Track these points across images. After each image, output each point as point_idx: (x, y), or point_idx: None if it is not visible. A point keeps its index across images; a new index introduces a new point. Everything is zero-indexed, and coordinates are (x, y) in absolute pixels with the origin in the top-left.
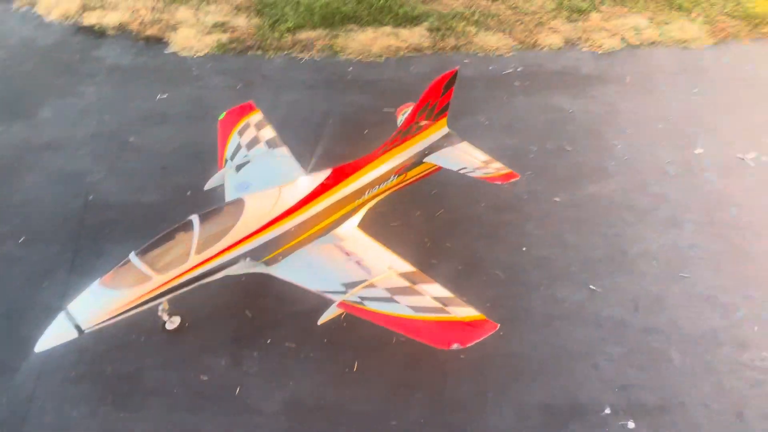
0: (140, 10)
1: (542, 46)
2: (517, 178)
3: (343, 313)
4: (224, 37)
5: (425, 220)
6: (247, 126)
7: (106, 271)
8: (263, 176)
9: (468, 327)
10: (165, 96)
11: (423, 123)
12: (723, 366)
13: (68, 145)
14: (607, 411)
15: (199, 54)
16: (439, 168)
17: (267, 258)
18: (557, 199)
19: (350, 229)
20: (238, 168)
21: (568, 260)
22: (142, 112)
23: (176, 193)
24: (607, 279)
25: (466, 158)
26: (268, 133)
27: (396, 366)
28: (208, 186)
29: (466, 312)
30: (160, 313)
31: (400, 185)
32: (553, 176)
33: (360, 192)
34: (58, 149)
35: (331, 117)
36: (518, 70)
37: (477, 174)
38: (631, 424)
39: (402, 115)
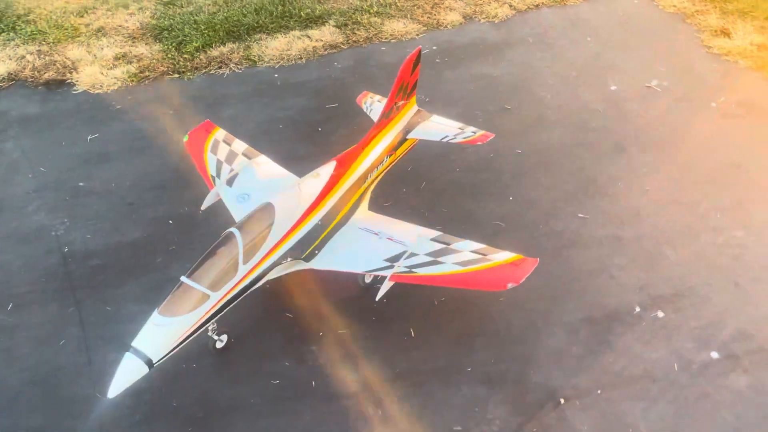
0: (26, 57)
1: (445, 25)
2: (493, 136)
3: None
4: (132, 68)
5: (413, 195)
6: (216, 143)
7: (123, 316)
8: (259, 184)
9: (512, 267)
10: (96, 135)
11: (400, 103)
12: (707, 250)
13: (12, 205)
14: (637, 309)
15: (112, 88)
16: (416, 142)
17: (306, 254)
18: (519, 151)
19: (365, 212)
20: (230, 182)
21: (552, 198)
22: (79, 156)
23: (157, 226)
24: (590, 206)
25: (444, 128)
26: (240, 145)
27: (447, 322)
28: (204, 206)
29: (504, 255)
30: (210, 334)
31: (391, 164)
32: (506, 133)
33: (364, 177)
34: (3, 211)
35: (279, 123)
36: (433, 48)
37: (458, 139)
38: (660, 314)
39: (364, 104)
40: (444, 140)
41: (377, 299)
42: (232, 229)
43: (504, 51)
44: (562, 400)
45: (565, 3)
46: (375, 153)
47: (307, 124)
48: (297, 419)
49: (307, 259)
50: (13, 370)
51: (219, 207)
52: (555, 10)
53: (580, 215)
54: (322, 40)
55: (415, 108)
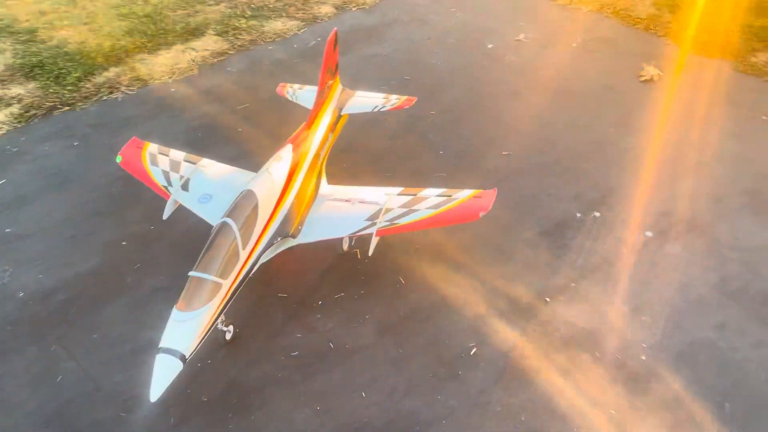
0: None
1: (322, 17)
2: (416, 99)
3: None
4: (15, 109)
5: (355, 165)
6: (153, 156)
7: (114, 339)
8: (215, 183)
9: (477, 199)
10: (3, 181)
11: (330, 83)
12: (613, 157)
13: None
14: (578, 215)
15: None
16: (347, 117)
17: (292, 231)
18: (433, 112)
19: (327, 186)
20: (185, 187)
21: (475, 145)
22: None
23: (111, 250)
24: (509, 144)
25: (371, 100)
26: (179, 153)
27: (429, 265)
28: (166, 215)
29: (466, 192)
30: (220, 326)
31: (333, 141)
32: (426, 96)
33: (317, 154)
34: None
35: (197, 132)
36: (318, 39)
37: (387, 107)
38: (597, 214)
39: (288, 94)
40: (375, 110)
41: (369, 254)
42: (225, 219)
43: (384, 32)
44: (548, 299)
45: None
46: (321, 131)
47: (225, 127)
48: (329, 378)
49: (294, 235)
50: (18, 417)
51: (172, 217)
52: None
53: (504, 153)
54: (208, 50)
55: (340, 87)
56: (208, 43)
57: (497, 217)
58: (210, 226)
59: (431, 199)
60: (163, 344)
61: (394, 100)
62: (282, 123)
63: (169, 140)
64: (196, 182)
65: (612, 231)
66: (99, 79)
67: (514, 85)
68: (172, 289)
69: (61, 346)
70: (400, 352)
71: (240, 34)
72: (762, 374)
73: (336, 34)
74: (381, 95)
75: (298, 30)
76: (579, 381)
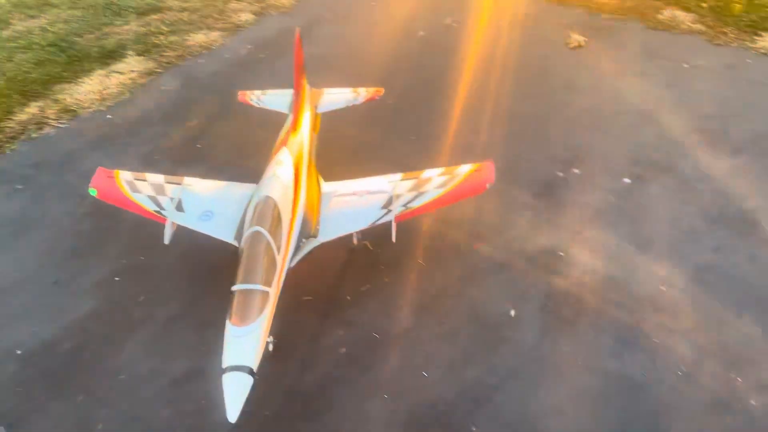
0: None
1: (243, 25)
2: (383, 91)
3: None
4: None
5: (338, 161)
6: (130, 183)
7: (144, 375)
8: (214, 199)
9: (479, 172)
10: None
11: (304, 83)
12: (574, 117)
13: None
14: (560, 174)
15: None
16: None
17: (312, 231)
18: (390, 102)
19: (326, 184)
20: (179, 209)
21: (440, 125)
22: None
23: (105, 288)
24: (475, 122)
25: (342, 96)
26: (157, 177)
27: (444, 240)
28: (167, 239)
29: (466, 167)
30: None
31: (317, 141)
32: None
33: (310, 155)
34: None
35: (154, 155)
36: (248, 47)
37: (360, 101)
38: (576, 171)
39: (251, 101)
40: (350, 105)
41: (393, 240)
42: (255, 228)
43: (313, 32)
44: (561, 253)
45: None
46: (306, 132)
47: (181, 146)
48: (385, 366)
49: (315, 235)
50: None
51: (159, 242)
52: None
53: (471, 129)
54: (134, 71)
55: (308, 87)
56: (132, 64)
57: (490, 188)
58: (214, 243)
59: (435, 180)
60: (228, 363)
61: (363, 92)
62: (239, 132)
63: (126, 169)
64: (189, 201)
65: (594, 183)
66: (21, 116)
67: (457, 66)
68: (187, 315)
69: (89, 395)
70: (444, 328)
71: (164, 51)
72: (764, 281)
73: (299, 34)
74: (349, 90)
75: (223, 40)
76: (615, 316)
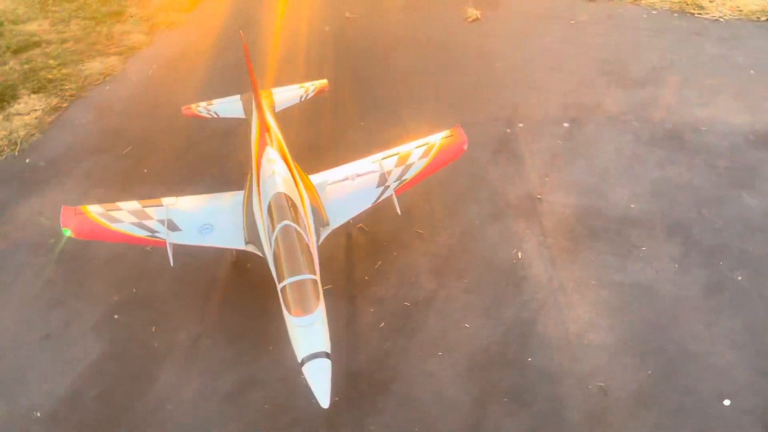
0: None
1: (137, 47)
2: (326, 81)
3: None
4: None
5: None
6: (106, 215)
7: (195, 400)
8: (206, 212)
9: (452, 137)
10: None
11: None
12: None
13: None
14: (517, 127)
15: None
16: None
17: (325, 219)
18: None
19: (314, 176)
20: (173, 228)
21: (385, 105)
22: None
23: (107, 329)
24: (423, 94)
25: (293, 93)
26: (129, 204)
27: (432, 206)
28: (172, 261)
29: (440, 135)
30: None
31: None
32: None
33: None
34: None
35: (95, 190)
36: (153, 66)
37: (311, 94)
38: (520, 125)
39: (200, 113)
40: (302, 100)
41: (399, 213)
42: (283, 223)
43: (218, 44)
44: (538, 196)
45: None
46: (276, 131)
47: (125, 175)
48: (428, 328)
49: (327, 222)
50: None
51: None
52: None
53: (413, 105)
54: (37, 109)
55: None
56: (32, 104)
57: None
58: (203, 258)
59: (415, 152)
60: (304, 354)
61: (310, 86)
62: (183, 148)
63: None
64: (181, 219)
65: (540, 132)
66: None
67: (377, 54)
68: (211, 332)
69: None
70: (466, 282)
71: (63, 85)
72: (705, 182)
73: (244, 44)
74: (296, 86)
75: (123, 64)
76: (606, 237)
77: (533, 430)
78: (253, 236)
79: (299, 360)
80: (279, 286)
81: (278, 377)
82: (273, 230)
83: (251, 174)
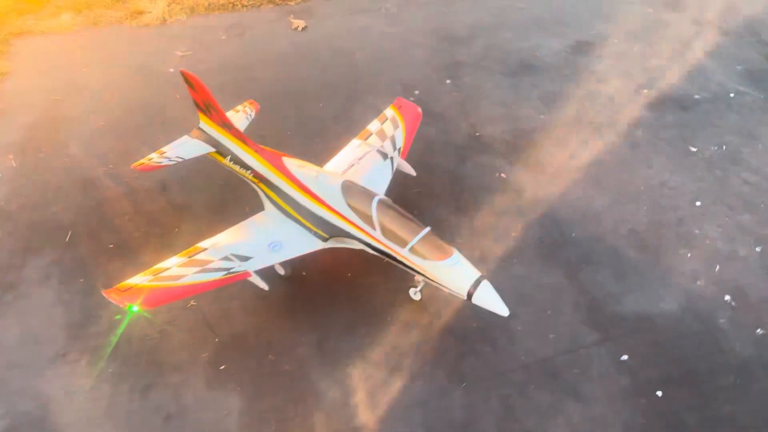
0: None
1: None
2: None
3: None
4: None
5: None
6: (164, 278)
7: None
8: (265, 234)
9: (403, 107)
10: None
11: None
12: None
13: None
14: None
15: None
16: None
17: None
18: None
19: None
20: (243, 259)
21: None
22: None
23: (194, 398)
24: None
25: (239, 115)
26: (172, 260)
27: (431, 175)
28: (265, 285)
29: (389, 110)
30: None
31: None
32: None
33: None
34: None
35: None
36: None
37: (253, 116)
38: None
39: (156, 162)
40: (250, 120)
41: (414, 174)
42: (375, 199)
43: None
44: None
45: None
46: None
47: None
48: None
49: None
50: None
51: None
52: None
53: (320, 105)
54: None
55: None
56: None
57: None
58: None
59: (385, 126)
60: (467, 287)
61: (248, 108)
62: (131, 211)
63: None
64: (243, 250)
65: (437, 91)
66: None
67: (233, 79)
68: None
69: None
70: (490, 220)
71: None
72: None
73: (183, 74)
74: (232, 112)
75: None
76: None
77: None
78: (332, 231)
79: (465, 295)
80: (406, 249)
81: None
82: (370, 211)
83: (274, 186)
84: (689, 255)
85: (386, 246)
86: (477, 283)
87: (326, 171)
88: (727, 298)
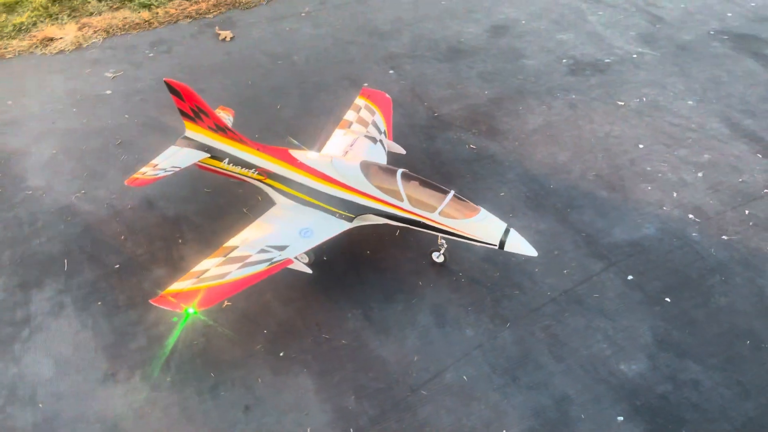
0: None
1: None
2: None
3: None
4: None
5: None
6: (207, 279)
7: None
8: (291, 224)
9: (373, 94)
10: None
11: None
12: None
13: None
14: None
15: None
16: None
17: None
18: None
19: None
20: (280, 248)
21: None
22: None
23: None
24: (347, 70)
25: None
26: (210, 261)
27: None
28: (310, 269)
29: (359, 99)
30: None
31: None
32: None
33: None
34: None
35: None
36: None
37: (232, 120)
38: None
39: (151, 175)
40: (231, 125)
41: (404, 152)
42: (399, 171)
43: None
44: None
45: None
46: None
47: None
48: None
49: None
50: None
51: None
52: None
53: (278, 107)
54: None
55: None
56: None
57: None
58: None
59: (362, 113)
60: (498, 237)
61: (220, 111)
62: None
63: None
64: (277, 240)
65: (424, 62)
66: None
67: (214, 87)
68: (363, 324)
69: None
70: (477, 185)
71: None
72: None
73: (167, 83)
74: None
75: None
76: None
77: None
78: (358, 210)
79: (497, 245)
80: (436, 213)
81: None
82: (396, 185)
83: (286, 179)
84: (649, 188)
85: (416, 215)
86: (506, 232)
87: (338, 156)
88: (691, 216)
